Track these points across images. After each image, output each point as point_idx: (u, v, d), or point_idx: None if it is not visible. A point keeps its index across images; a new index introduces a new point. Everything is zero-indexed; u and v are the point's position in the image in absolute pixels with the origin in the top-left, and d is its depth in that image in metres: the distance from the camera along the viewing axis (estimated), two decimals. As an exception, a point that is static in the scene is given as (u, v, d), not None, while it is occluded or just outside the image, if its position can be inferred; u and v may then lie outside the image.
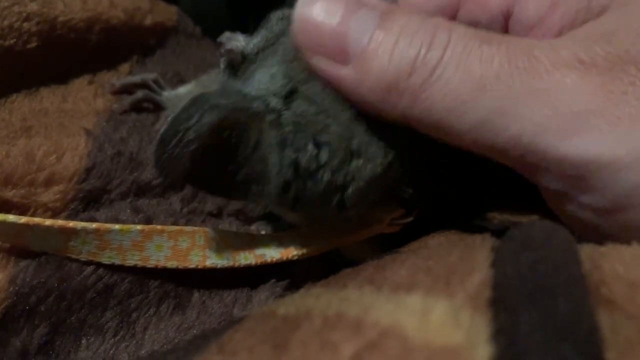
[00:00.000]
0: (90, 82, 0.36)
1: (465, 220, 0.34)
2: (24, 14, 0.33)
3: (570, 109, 0.22)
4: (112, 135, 0.32)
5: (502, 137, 0.23)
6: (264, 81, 0.26)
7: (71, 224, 0.26)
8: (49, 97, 0.34)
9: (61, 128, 0.32)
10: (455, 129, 0.23)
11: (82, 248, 0.26)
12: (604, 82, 0.22)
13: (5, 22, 0.32)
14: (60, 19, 0.35)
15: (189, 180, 0.25)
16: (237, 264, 0.29)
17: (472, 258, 0.20)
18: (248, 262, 0.29)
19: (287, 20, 0.28)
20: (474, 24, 0.29)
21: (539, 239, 0.20)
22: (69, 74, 0.36)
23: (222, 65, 0.31)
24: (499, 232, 0.25)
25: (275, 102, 0.25)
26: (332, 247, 0.31)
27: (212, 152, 0.24)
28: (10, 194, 0.28)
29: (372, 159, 0.26)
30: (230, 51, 0.29)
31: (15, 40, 0.33)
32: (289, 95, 0.26)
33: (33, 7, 0.33)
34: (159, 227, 0.28)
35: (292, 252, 0.30)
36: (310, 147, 0.25)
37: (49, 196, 0.29)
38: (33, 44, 0.33)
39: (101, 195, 0.30)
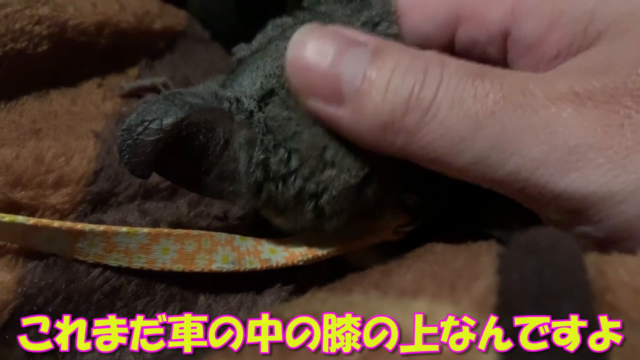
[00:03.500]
0: (99, 85, 0.37)
1: (468, 225, 0.35)
2: (36, 18, 0.33)
3: (567, 143, 0.22)
4: (120, 139, 0.32)
5: (501, 172, 0.23)
6: (244, 83, 0.27)
7: (79, 225, 0.26)
8: (58, 100, 0.34)
9: (70, 130, 0.32)
10: (454, 165, 0.23)
11: (89, 250, 0.27)
12: (600, 115, 0.22)
13: (17, 25, 0.32)
14: (71, 22, 0.35)
15: (154, 170, 0.25)
16: (242, 268, 0.29)
17: (478, 264, 0.20)
18: (253, 266, 0.29)
19: (282, 27, 0.29)
20: (472, 42, 0.29)
21: (545, 245, 0.20)
22: (79, 77, 0.36)
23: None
24: (503, 238, 0.25)
25: (248, 103, 0.26)
26: (338, 254, 0.31)
27: (179, 148, 0.24)
28: (19, 195, 0.28)
29: (346, 170, 0.26)
30: (238, 59, 0.30)
31: (26, 43, 0.33)
32: (264, 98, 0.26)
33: (44, 10, 0.34)
34: (165, 230, 0.28)
35: (297, 258, 0.30)
36: (282, 150, 0.26)
37: (57, 198, 0.29)
38: (44, 47, 0.34)
39: (109, 198, 0.31)
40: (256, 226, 0.35)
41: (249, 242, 0.30)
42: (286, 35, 0.27)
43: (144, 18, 0.40)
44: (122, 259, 0.27)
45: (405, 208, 0.31)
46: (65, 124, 0.33)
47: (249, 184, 0.26)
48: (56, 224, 0.26)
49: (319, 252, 0.30)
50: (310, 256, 0.30)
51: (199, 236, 0.29)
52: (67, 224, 0.26)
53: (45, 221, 0.26)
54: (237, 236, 0.30)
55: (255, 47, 0.29)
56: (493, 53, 0.29)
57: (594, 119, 0.22)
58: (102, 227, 0.27)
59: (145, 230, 0.27)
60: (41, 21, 0.33)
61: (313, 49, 0.24)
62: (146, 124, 0.23)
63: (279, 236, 0.33)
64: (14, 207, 0.28)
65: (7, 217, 0.25)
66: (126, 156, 0.24)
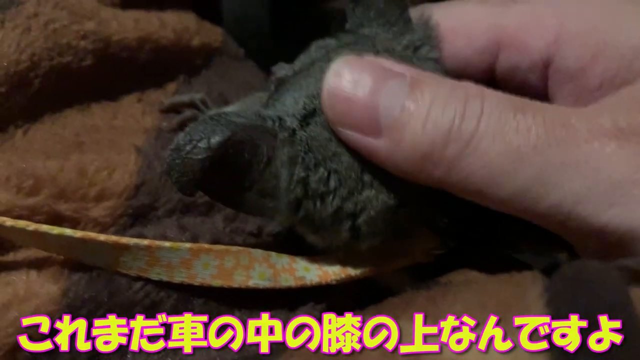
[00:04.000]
0: (139, 100, 0.37)
1: (497, 249, 0.35)
2: (81, 33, 0.34)
3: (610, 178, 0.22)
4: (160, 154, 0.33)
5: (542, 205, 0.23)
6: (287, 103, 0.27)
7: (124, 239, 0.26)
8: (99, 114, 0.35)
9: (112, 144, 0.33)
10: (494, 197, 0.23)
11: (132, 264, 0.27)
12: None
13: (64, 40, 0.33)
14: (114, 37, 0.36)
15: (200, 188, 0.25)
16: (278, 286, 0.29)
17: (525, 297, 0.20)
18: (288, 284, 0.29)
19: (325, 49, 0.29)
20: (513, 69, 0.29)
21: (592, 279, 0.20)
22: (119, 91, 0.37)
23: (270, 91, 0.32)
24: (546, 269, 0.25)
25: (290, 122, 0.26)
26: (370, 275, 0.31)
27: (225, 166, 0.25)
28: (62, 207, 0.29)
29: (385, 191, 0.26)
30: (278, 79, 0.30)
31: (71, 57, 0.34)
32: (306, 118, 0.26)
33: (90, 25, 0.34)
34: (206, 246, 0.28)
35: (330, 277, 0.30)
36: (322, 169, 0.26)
37: (99, 211, 0.30)
38: (88, 62, 0.34)
39: (149, 212, 0.31)
40: (289, 243, 0.36)
41: (285, 260, 0.30)
42: (329, 57, 0.28)
43: (183, 34, 0.40)
44: (164, 273, 0.27)
45: (437, 231, 0.31)
46: (107, 138, 0.33)
47: (289, 200, 0.26)
48: (102, 237, 0.26)
49: (352, 272, 0.30)
50: (343, 275, 0.30)
51: (238, 252, 0.29)
52: (113, 237, 0.26)
53: (92, 234, 0.26)
54: (273, 253, 0.30)
55: (298, 67, 0.30)
56: (534, 80, 0.29)
57: (637, 154, 0.22)
58: (146, 242, 0.27)
59: (187, 245, 0.28)
60: (86, 36, 0.34)
61: (350, 80, 0.24)
62: (194, 143, 0.24)
63: (312, 254, 0.33)
64: (57, 219, 0.28)
65: (55, 230, 0.25)
66: (175, 175, 0.24)
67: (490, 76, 0.30)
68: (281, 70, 0.32)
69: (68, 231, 0.26)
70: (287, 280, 0.29)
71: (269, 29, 0.48)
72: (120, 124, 0.35)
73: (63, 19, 0.34)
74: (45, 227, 0.26)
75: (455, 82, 0.25)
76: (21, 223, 0.25)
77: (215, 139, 0.24)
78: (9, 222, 0.25)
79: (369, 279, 0.32)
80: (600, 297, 0.19)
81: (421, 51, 0.29)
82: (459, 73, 0.29)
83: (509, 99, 0.24)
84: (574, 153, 0.23)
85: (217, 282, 0.28)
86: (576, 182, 0.22)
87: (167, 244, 0.27)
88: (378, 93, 0.24)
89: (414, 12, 0.30)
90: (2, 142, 0.31)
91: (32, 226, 0.25)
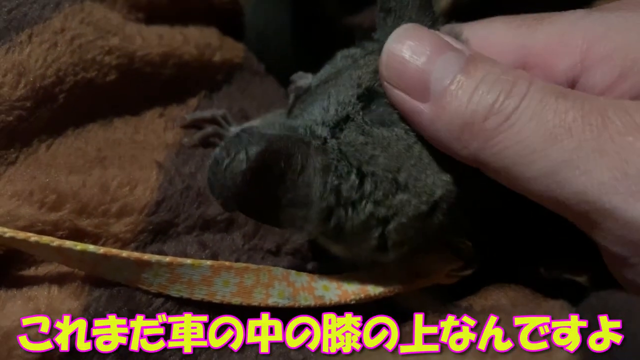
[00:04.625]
0: (160, 115, 0.37)
1: (520, 269, 0.34)
2: (106, 48, 0.34)
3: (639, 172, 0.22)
4: (181, 169, 0.33)
5: (567, 190, 0.23)
6: (315, 112, 0.28)
7: (146, 256, 0.27)
8: (122, 128, 0.35)
9: (133, 160, 0.33)
10: (522, 176, 0.24)
11: (153, 280, 0.27)
12: None
13: (89, 55, 0.33)
14: (139, 53, 0.36)
15: (240, 202, 0.25)
16: (297, 304, 0.29)
17: None
18: (308, 302, 0.29)
19: (352, 58, 0.29)
20: None
21: (620, 311, 0.20)
22: (141, 106, 0.37)
23: (290, 100, 0.32)
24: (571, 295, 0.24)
25: (321, 130, 0.26)
26: (390, 295, 0.31)
27: (262, 178, 0.24)
28: (84, 223, 0.29)
29: (418, 195, 0.26)
30: (298, 88, 0.30)
31: (96, 72, 0.34)
32: (339, 124, 0.27)
33: (114, 41, 0.35)
34: (227, 263, 0.28)
35: (350, 297, 0.30)
36: (353, 176, 0.26)
37: (120, 227, 0.30)
38: (112, 77, 0.35)
39: (169, 228, 0.31)
40: (307, 260, 0.35)
41: (304, 278, 0.30)
42: (359, 64, 0.28)
43: (205, 50, 0.41)
44: (185, 290, 0.27)
45: (459, 253, 0.31)
46: (129, 153, 0.33)
47: (321, 209, 0.26)
48: (125, 254, 0.26)
49: (372, 292, 0.30)
50: (362, 295, 0.30)
51: (258, 270, 0.29)
52: (135, 254, 0.26)
53: (114, 251, 0.26)
54: (293, 272, 0.30)
55: (324, 76, 0.30)
56: None
57: None
58: (167, 259, 0.27)
59: (208, 263, 0.28)
60: (111, 52, 0.34)
61: (411, 45, 0.25)
62: (233, 156, 0.24)
63: (329, 270, 0.33)
64: (78, 235, 0.29)
65: (79, 246, 0.26)
66: (217, 190, 0.24)
67: None
68: (301, 79, 0.33)
69: (91, 247, 0.26)
70: (307, 300, 0.29)
71: (290, 45, 0.48)
72: (142, 139, 0.35)
73: (89, 34, 0.34)
74: (68, 243, 0.26)
75: (508, 66, 0.25)
76: (45, 239, 0.26)
77: (253, 150, 0.23)
78: (33, 237, 0.25)
79: (389, 299, 0.32)
80: (628, 329, 0.19)
81: None
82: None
83: (554, 86, 0.25)
84: (607, 143, 0.22)
85: (236, 300, 0.28)
86: (605, 172, 0.22)
87: (188, 261, 0.27)
88: (433, 61, 0.25)
89: (444, 29, 0.29)
90: (26, 156, 0.31)
91: (56, 242, 0.26)
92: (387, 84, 0.26)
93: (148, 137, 0.36)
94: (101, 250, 0.26)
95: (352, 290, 0.30)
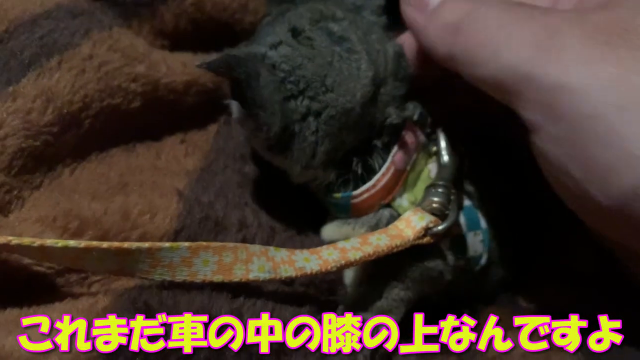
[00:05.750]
0: (181, 141, 0.38)
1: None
2: (132, 75, 0.35)
3: (553, 43, 0.27)
4: (201, 198, 0.34)
5: (503, 66, 0.28)
6: (260, 40, 0.33)
7: (126, 244, 0.27)
8: (144, 154, 0.36)
9: (154, 186, 0.34)
10: (476, 62, 0.29)
11: (135, 267, 0.27)
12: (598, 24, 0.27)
13: (116, 82, 0.34)
14: (163, 80, 0.37)
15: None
16: (278, 277, 0.29)
17: None
18: (289, 274, 0.29)
19: (286, 9, 0.35)
20: None
21: None
22: (163, 132, 0.38)
23: None
24: None
25: (262, 49, 0.32)
26: (370, 259, 0.30)
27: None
28: (104, 250, 0.29)
29: (343, 95, 0.32)
30: None
31: (121, 99, 0.35)
32: (274, 46, 0.32)
33: (141, 68, 0.35)
34: (204, 243, 0.29)
35: (330, 264, 0.29)
36: (292, 77, 0.31)
37: (139, 254, 0.30)
38: (136, 104, 0.35)
39: (186, 257, 0.31)
40: (320, 292, 0.36)
41: (283, 253, 0.30)
42: (295, 11, 0.34)
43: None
44: (166, 273, 0.28)
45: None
46: (150, 179, 0.34)
47: (277, 101, 0.31)
48: (105, 244, 0.26)
49: (352, 257, 0.30)
50: (343, 262, 0.30)
51: (235, 248, 0.29)
52: (115, 244, 0.27)
53: (94, 243, 0.26)
54: (272, 247, 0.30)
55: (272, 18, 0.35)
56: None
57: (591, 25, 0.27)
58: (147, 245, 0.27)
59: (186, 244, 0.28)
60: (137, 79, 0.35)
61: None
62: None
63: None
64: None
65: (60, 243, 0.26)
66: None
67: None
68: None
69: (72, 242, 0.26)
70: (287, 271, 0.29)
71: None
72: (163, 165, 0.36)
73: (116, 61, 0.35)
74: (49, 242, 0.26)
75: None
76: (26, 240, 0.26)
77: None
78: (14, 240, 0.26)
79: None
80: None
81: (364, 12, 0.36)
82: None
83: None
84: (533, 26, 0.28)
85: (218, 278, 0.28)
86: (528, 48, 0.27)
87: (167, 244, 0.28)
88: None
89: None
90: (50, 181, 0.31)
91: (37, 242, 0.26)
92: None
93: (169, 164, 0.36)
94: (82, 244, 0.26)
95: (332, 259, 0.30)
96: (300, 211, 0.37)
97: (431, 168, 0.34)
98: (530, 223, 0.38)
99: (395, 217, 0.33)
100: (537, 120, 0.28)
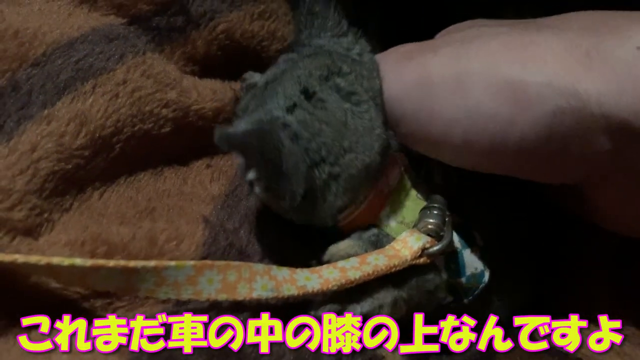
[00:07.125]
0: (207, 166, 0.38)
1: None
2: (164, 101, 0.35)
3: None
4: (226, 225, 0.34)
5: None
6: (269, 104, 0.33)
7: (132, 263, 0.27)
8: (171, 178, 0.36)
9: (181, 212, 0.34)
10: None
11: (141, 285, 0.27)
12: None
13: (147, 108, 0.35)
14: (194, 107, 0.37)
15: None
16: (280, 295, 0.29)
17: None
18: (291, 292, 0.29)
19: (292, 61, 0.35)
20: None
21: None
22: (190, 156, 0.38)
23: (242, 94, 0.39)
24: None
25: (278, 112, 0.32)
26: (368, 279, 0.31)
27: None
28: (131, 275, 0.30)
29: (362, 152, 0.32)
30: (249, 84, 0.37)
31: (152, 124, 0.35)
32: (289, 110, 0.32)
33: (172, 95, 0.36)
34: (209, 262, 0.29)
35: (331, 283, 0.30)
36: (313, 144, 0.31)
37: (164, 281, 0.30)
38: (167, 129, 0.36)
39: (210, 285, 0.32)
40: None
41: (285, 272, 0.31)
42: (298, 66, 0.34)
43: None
44: (172, 291, 0.28)
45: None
46: (177, 205, 0.34)
47: (303, 172, 0.31)
48: (112, 263, 0.27)
49: (352, 276, 0.30)
50: (343, 281, 0.30)
51: (239, 266, 0.29)
52: (122, 262, 0.27)
53: (101, 261, 0.27)
54: (274, 266, 0.31)
55: (270, 77, 0.35)
56: None
57: None
58: (152, 263, 0.27)
59: (191, 263, 0.28)
60: (168, 105, 0.36)
61: None
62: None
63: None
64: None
65: (67, 261, 0.26)
66: None
67: None
68: (251, 77, 0.38)
69: (78, 261, 0.26)
70: (290, 290, 0.29)
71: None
72: (189, 190, 0.36)
73: (148, 87, 0.35)
74: (56, 260, 0.26)
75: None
76: (33, 258, 0.26)
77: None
78: (20, 258, 0.26)
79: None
80: None
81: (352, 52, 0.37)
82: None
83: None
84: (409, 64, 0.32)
85: (222, 296, 0.29)
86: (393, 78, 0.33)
87: (172, 263, 0.28)
88: None
89: None
90: (80, 204, 0.32)
91: (44, 260, 0.26)
92: None
93: (195, 189, 0.36)
94: (89, 262, 0.26)
95: (333, 277, 0.30)
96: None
97: (419, 188, 0.35)
98: (532, 239, 0.38)
99: (383, 234, 0.34)
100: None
